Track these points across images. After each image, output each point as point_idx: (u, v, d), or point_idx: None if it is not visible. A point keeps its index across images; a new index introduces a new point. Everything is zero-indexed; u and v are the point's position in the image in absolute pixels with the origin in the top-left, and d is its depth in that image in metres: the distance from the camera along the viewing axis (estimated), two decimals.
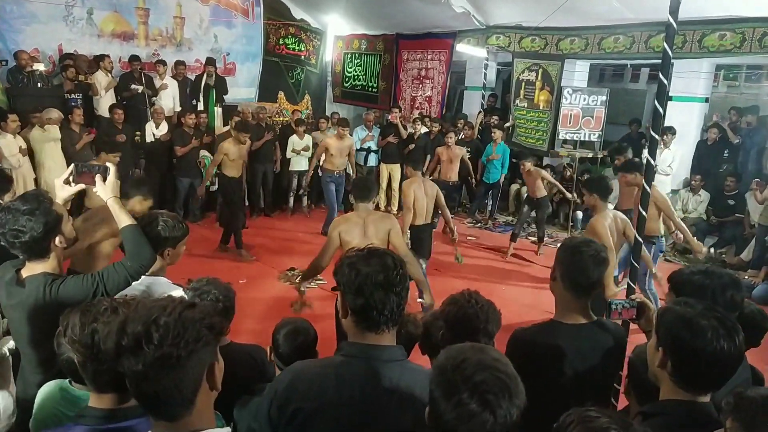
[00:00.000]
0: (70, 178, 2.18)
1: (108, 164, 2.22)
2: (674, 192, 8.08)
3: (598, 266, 1.97)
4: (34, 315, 1.98)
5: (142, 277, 2.35)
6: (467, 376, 1.16)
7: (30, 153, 6.55)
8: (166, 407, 1.16)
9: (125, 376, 1.16)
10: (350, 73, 11.81)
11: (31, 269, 2.02)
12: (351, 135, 9.29)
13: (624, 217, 4.44)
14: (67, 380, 1.76)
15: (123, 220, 2.15)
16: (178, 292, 2.38)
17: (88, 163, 2.26)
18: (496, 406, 1.14)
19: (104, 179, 2.17)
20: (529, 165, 7.34)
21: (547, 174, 7.63)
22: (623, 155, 6.46)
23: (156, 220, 2.34)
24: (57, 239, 2.03)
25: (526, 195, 7.91)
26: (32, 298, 1.97)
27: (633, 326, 2.12)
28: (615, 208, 4.93)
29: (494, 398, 1.14)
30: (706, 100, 8.24)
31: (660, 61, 3.56)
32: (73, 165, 2.22)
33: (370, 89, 11.44)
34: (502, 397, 1.15)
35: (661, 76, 3.53)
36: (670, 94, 6.68)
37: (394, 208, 9.03)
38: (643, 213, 3.77)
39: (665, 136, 7.22)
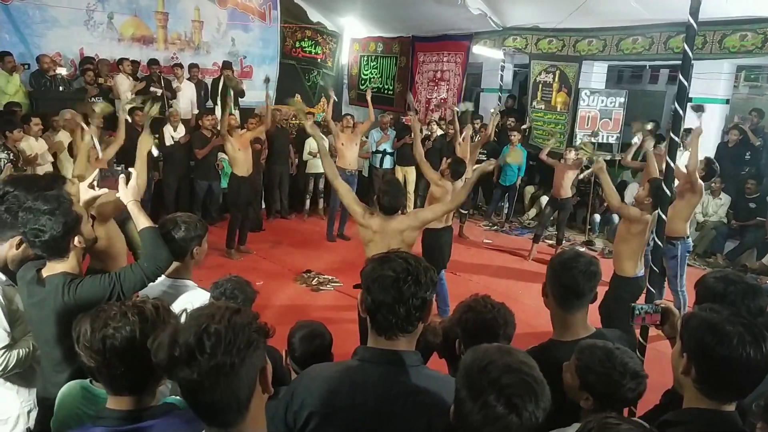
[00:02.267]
0: (95, 183, 2.23)
1: (130, 170, 2.27)
2: None
3: (589, 281, 1.94)
4: (53, 314, 2.01)
5: (168, 279, 2.38)
6: (494, 379, 1.17)
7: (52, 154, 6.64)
8: (223, 415, 1.14)
9: (180, 388, 1.14)
10: (366, 75, 11.83)
11: (52, 269, 2.05)
12: (366, 138, 9.32)
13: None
14: (88, 379, 1.78)
15: (142, 222, 2.19)
16: (203, 296, 2.41)
17: (112, 168, 2.32)
18: (522, 408, 1.14)
19: (126, 183, 2.22)
20: (574, 153, 7.23)
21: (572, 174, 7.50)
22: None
23: (177, 223, 2.37)
24: (76, 239, 2.06)
25: (549, 196, 7.81)
26: (51, 297, 2.01)
27: (654, 331, 2.08)
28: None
29: (520, 401, 1.15)
30: (727, 101, 8.11)
31: (680, 62, 3.52)
32: (98, 170, 2.28)
33: (386, 92, 11.45)
34: (528, 400, 1.15)
35: (681, 77, 3.48)
36: (690, 95, 6.57)
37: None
38: (663, 217, 3.72)
39: (685, 138, 7.12)
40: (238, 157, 6.75)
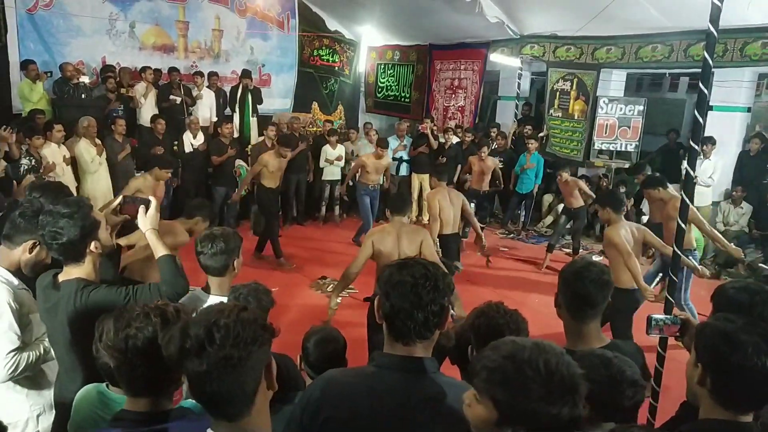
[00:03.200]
0: (118, 209, 2.31)
1: (150, 198, 2.32)
2: (715, 204, 7.85)
3: (601, 290, 1.93)
4: (67, 318, 2.04)
5: (206, 294, 2.45)
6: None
7: (73, 162, 6.74)
8: (229, 406, 1.19)
9: (188, 379, 1.19)
10: (383, 83, 11.88)
11: (68, 273, 2.09)
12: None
13: (641, 226, 4.52)
14: (104, 384, 1.80)
15: (159, 250, 2.22)
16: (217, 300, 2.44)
17: (134, 196, 2.41)
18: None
19: (146, 212, 2.27)
20: (566, 175, 7.26)
21: (583, 184, 7.51)
22: (642, 173, 6.40)
23: (216, 237, 2.42)
24: (93, 245, 2.09)
25: (563, 206, 7.79)
26: (65, 302, 2.04)
27: (673, 342, 2.05)
28: (647, 223, 4.82)
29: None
30: (749, 109, 8.00)
31: (700, 70, 3.48)
32: (121, 197, 2.38)
33: (402, 99, 11.48)
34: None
35: (701, 85, 3.44)
36: (711, 103, 6.51)
37: (425, 218, 9.02)
38: (683, 225, 3.67)
39: (705, 147, 7.04)
40: (271, 173, 6.92)
